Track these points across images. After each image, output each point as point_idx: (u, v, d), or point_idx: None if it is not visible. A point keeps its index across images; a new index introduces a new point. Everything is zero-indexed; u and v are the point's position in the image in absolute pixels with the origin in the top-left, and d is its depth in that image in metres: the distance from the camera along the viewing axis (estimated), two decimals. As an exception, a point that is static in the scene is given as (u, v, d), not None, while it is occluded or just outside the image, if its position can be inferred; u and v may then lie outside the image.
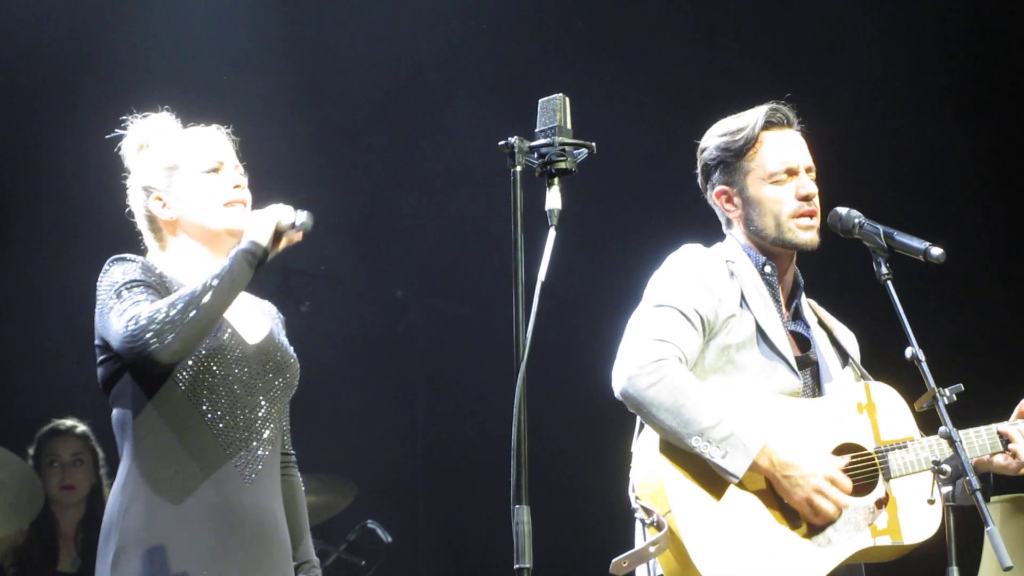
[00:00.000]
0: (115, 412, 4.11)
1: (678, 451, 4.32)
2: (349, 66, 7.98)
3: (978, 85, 7.74)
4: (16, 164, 7.74)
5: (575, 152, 3.79)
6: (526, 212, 3.72)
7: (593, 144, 3.81)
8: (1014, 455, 4.49)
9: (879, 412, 4.48)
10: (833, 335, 4.66)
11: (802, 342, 4.58)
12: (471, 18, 7.91)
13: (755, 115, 4.58)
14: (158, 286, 4.08)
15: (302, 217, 4.08)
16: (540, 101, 3.83)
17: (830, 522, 4.33)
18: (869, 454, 4.43)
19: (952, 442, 4.18)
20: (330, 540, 7.70)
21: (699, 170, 4.65)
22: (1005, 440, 4.50)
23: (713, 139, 4.61)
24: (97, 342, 4.11)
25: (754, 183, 4.55)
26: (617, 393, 4.36)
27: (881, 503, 4.39)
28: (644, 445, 4.39)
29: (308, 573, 4.32)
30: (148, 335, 3.90)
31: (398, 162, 8.25)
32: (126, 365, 4.03)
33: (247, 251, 4.04)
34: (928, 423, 4.38)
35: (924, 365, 4.26)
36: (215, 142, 4.28)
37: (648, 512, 4.28)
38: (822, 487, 4.30)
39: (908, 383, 4.41)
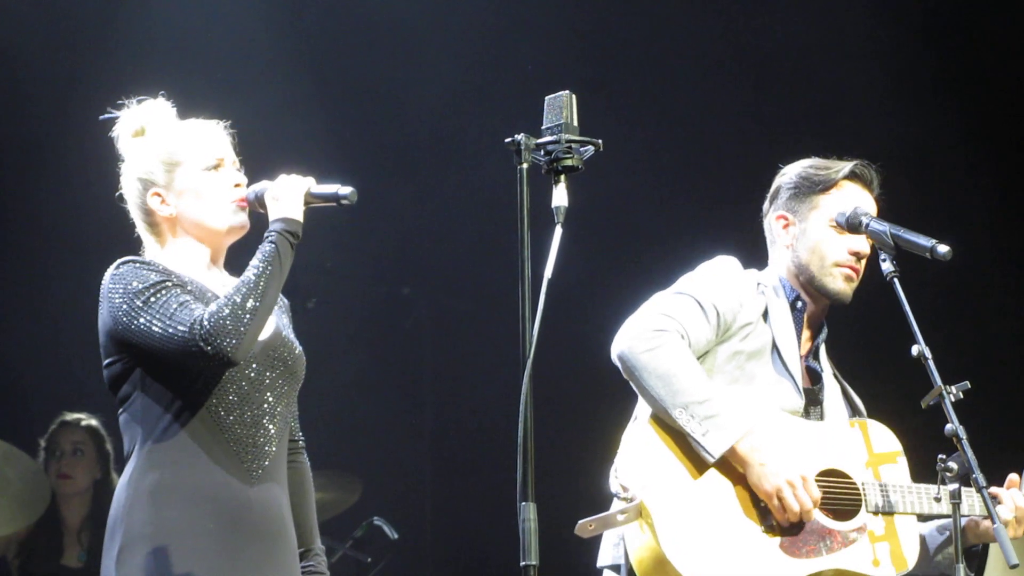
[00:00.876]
0: (123, 411, 4.09)
1: (663, 436, 4.35)
2: (357, 63, 7.99)
3: (986, 83, 7.74)
4: (23, 157, 7.75)
5: (581, 149, 3.80)
6: (532, 209, 3.72)
7: (599, 141, 3.81)
8: (976, 523, 4.51)
9: (875, 449, 4.53)
10: (846, 389, 4.69)
11: (814, 378, 4.60)
12: (481, 16, 7.91)
13: (845, 163, 4.66)
14: (182, 283, 4.05)
15: (346, 191, 4.12)
16: (547, 98, 3.84)
17: (798, 526, 4.34)
18: (854, 483, 4.46)
19: (958, 440, 4.18)
20: (336, 537, 7.70)
21: (770, 191, 4.72)
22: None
23: (798, 167, 4.69)
24: (104, 343, 4.08)
25: (816, 220, 4.61)
26: (614, 356, 4.41)
27: (858, 532, 4.41)
28: (631, 431, 4.43)
29: (312, 560, 4.29)
30: (221, 337, 3.90)
31: (404, 158, 8.25)
32: (157, 364, 3.99)
33: (288, 231, 4.07)
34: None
35: (931, 363, 4.27)
36: (215, 138, 4.23)
37: (625, 489, 4.31)
38: (793, 482, 4.31)
39: (914, 382, 4.42)
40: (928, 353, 4.27)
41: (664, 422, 4.35)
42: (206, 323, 3.92)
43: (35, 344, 7.77)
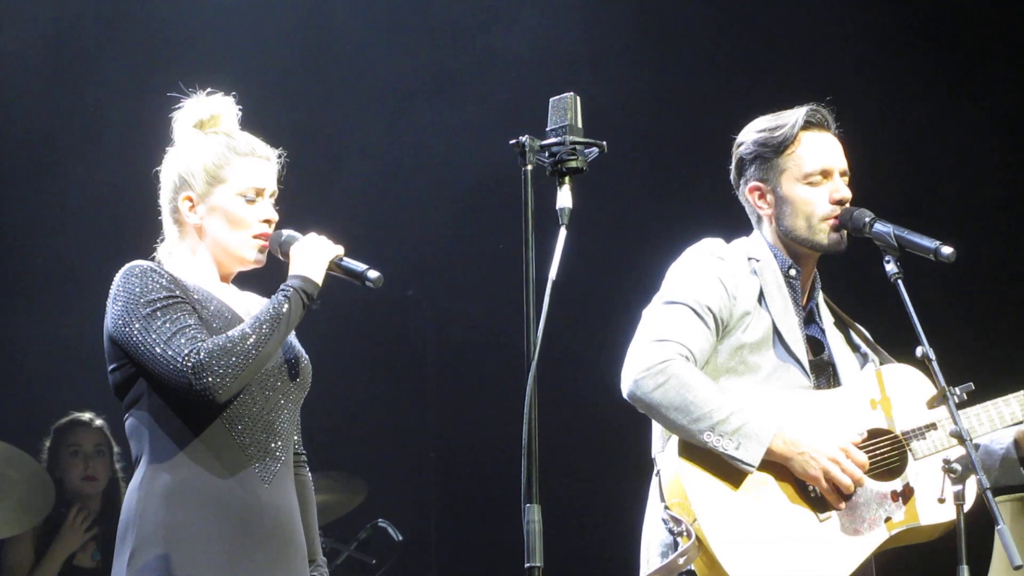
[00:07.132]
0: (129, 416, 4.09)
1: (697, 453, 4.32)
2: (360, 64, 7.99)
3: (994, 80, 7.73)
4: (46, 157, 7.75)
5: (586, 151, 3.80)
6: (537, 211, 3.72)
7: (604, 143, 3.81)
8: None
9: (902, 394, 4.49)
10: (850, 335, 4.66)
11: (816, 346, 4.58)
12: (483, 18, 7.91)
13: (795, 114, 4.58)
14: (188, 300, 4.03)
15: (373, 276, 4.18)
16: (551, 100, 3.84)
17: (853, 502, 4.33)
18: (896, 437, 4.44)
19: (963, 441, 4.17)
20: (341, 539, 7.70)
21: (733, 164, 4.65)
22: None
23: (751, 134, 4.61)
24: (108, 348, 4.07)
25: (788, 182, 4.55)
26: (624, 395, 4.38)
27: (914, 482, 4.39)
28: (668, 452, 4.39)
29: (315, 571, 4.29)
30: (210, 377, 3.91)
31: (408, 160, 8.26)
32: (155, 383, 4.00)
33: (305, 291, 4.07)
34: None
35: (935, 364, 4.26)
36: (265, 168, 4.20)
37: (677, 522, 4.29)
38: (836, 458, 4.30)
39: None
40: (932, 354, 4.26)
41: (693, 447, 4.32)
42: (202, 357, 3.91)
43: (37, 345, 7.77)
